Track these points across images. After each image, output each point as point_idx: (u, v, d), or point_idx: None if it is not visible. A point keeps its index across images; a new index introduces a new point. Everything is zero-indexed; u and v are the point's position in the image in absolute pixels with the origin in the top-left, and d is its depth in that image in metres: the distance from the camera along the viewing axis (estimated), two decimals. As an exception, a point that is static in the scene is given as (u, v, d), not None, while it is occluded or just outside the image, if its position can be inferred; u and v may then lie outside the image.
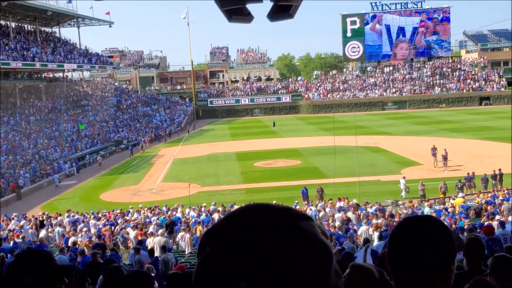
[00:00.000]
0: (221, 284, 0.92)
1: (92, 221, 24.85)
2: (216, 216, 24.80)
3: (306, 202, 28.59)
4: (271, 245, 0.92)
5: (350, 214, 22.90)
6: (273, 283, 0.90)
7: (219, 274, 0.93)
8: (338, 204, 25.66)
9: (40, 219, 26.08)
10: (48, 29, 78.34)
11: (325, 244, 0.99)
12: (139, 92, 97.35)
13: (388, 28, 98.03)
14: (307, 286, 0.92)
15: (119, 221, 24.94)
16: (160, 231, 19.44)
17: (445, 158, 37.20)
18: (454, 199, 26.11)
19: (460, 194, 26.98)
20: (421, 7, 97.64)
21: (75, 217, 26.35)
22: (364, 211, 23.02)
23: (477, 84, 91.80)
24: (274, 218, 0.98)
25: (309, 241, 0.96)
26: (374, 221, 19.53)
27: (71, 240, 19.74)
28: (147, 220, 24.64)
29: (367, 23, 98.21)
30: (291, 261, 0.92)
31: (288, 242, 0.93)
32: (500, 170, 31.19)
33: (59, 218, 26.51)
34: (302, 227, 0.98)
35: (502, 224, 15.21)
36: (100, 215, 27.31)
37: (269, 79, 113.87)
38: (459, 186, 29.86)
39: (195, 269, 1.01)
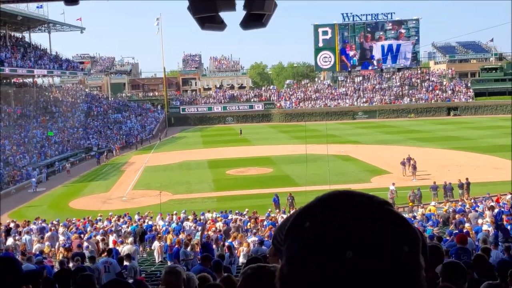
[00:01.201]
0: (328, 253, 0.96)
1: (60, 229, 24.41)
2: (186, 224, 24.64)
3: (278, 210, 28.69)
4: (373, 223, 0.99)
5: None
6: (376, 255, 0.95)
7: (326, 243, 0.97)
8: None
9: (8, 227, 25.51)
10: (18, 34, 76.96)
11: (414, 227, 1.05)
12: (110, 99, 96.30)
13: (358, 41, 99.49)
14: (404, 261, 0.98)
15: (88, 229, 24.57)
16: (130, 239, 19.23)
17: (414, 167, 37.82)
18: (423, 207, 26.53)
19: (433, 203, 27.43)
20: (391, 18, 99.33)
21: (42, 225, 25.86)
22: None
23: (445, 94, 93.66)
24: (369, 202, 1.04)
25: (402, 221, 1.03)
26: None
27: (35, 247, 19.37)
28: (118, 228, 24.35)
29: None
30: (392, 237, 0.98)
31: (386, 222, 1.00)
32: (467, 179, 31.80)
33: (30, 226, 25.96)
34: (393, 210, 1.04)
35: (467, 233, 15.56)
36: (69, 223, 26.85)
37: (241, 87, 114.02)
38: (412, 197, 30.27)
39: (293, 242, 1.03)
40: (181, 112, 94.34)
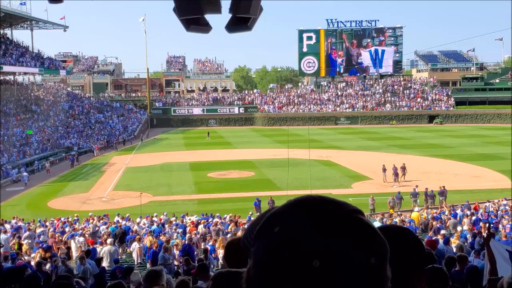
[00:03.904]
0: (295, 261, 0.95)
1: (38, 229, 24.11)
2: (167, 226, 24.51)
3: (259, 213, 28.65)
4: (340, 233, 0.98)
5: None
6: (343, 266, 0.95)
7: (293, 251, 0.96)
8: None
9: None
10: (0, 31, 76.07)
11: (383, 237, 1.04)
12: (92, 98, 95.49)
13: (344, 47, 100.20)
14: (371, 273, 0.97)
15: (66, 230, 24.28)
16: (109, 240, 19.06)
17: (396, 174, 38.09)
18: (400, 215, 26.72)
19: (416, 209, 27.62)
20: (375, 25, 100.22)
21: (18, 224, 25.51)
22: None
23: (426, 102, 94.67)
24: (339, 210, 1.03)
25: (371, 232, 1.02)
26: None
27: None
28: (96, 228, 24.12)
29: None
30: (359, 250, 0.97)
31: (355, 232, 0.99)
32: (443, 187, 32.00)
33: (6, 225, 25.57)
34: (363, 219, 1.03)
35: (446, 240, 15.73)
36: (47, 223, 26.53)
37: (225, 90, 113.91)
38: (392, 203, 30.52)
39: (261, 248, 1.02)
40: (164, 114, 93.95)
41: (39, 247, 19.57)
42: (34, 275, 6.55)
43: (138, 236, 20.43)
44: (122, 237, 22.00)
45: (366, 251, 0.98)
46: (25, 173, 45.05)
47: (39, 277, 6.68)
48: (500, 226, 20.93)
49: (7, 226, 25.12)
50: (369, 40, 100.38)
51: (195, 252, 17.96)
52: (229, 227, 24.20)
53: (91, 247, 18.78)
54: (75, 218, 28.05)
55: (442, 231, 19.29)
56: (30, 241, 21.35)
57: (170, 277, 6.92)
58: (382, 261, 1.00)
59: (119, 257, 18.97)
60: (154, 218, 26.53)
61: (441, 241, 15.66)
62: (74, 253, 19.71)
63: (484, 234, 12.85)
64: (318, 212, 1.02)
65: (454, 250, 14.78)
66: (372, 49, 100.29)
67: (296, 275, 0.95)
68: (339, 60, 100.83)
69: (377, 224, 22.51)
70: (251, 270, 1.04)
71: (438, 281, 4.85)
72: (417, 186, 33.02)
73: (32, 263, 14.78)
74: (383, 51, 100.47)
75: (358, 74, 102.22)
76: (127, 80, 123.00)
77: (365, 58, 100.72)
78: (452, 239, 16.68)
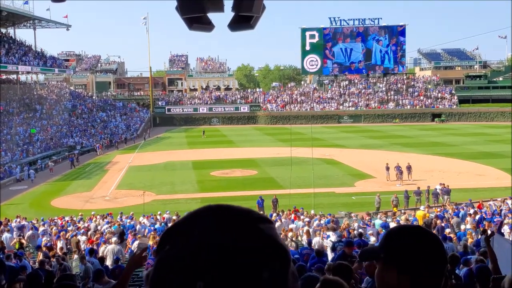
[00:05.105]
0: (179, 283, 0.92)
1: (41, 228, 24.15)
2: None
3: (262, 212, 28.66)
4: (229, 247, 0.93)
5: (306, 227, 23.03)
6: (230, 285, 0.90)
7: (177, 272, 0.93)
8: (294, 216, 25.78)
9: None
10: (3, 30, 76.11)
11: (283, 247, 0.99)
12: (95, 97, 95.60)
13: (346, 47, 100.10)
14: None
15: (69, 228, 24.33)
16: (114, 239, 19.07)
17: (400, 172, 38.03)
18: (404, 213, 26.66)
19: (422, 207, 27.52)
20: (378, 24, 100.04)
21: (22, 223, 25.55)
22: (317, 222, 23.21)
23: (429, 101, 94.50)
24: (234, 220, 0.99)
25: (268, 244, 0.96)
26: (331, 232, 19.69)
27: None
28: (98, 227, 24.13)
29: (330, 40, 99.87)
30: (247, 264, 0.92)
31: (246, 244, 0.94)
32: (447, 186, 31.93)
33: (11, 224, 25.62)
34: (262, 230, 0.98)
35: (444, 238, 15.73)
36: (50, 221, 26.56)
37: (228, 88, 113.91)
38: (395, 202, 30.45)
39: (153, 266, 1.00)
40: (167, 112, 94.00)
41: (42, 245, 19.64)
42: (35, 274, 6.56)
43: (139, 235, 20.45)
44: (121, 235, 22.01)
45: (258, 265, 0.92)
46: (31, 170, 45.89)
47: (40, 275, 6.69)
48: (506, 227, 20.81)
49: (13, 224, 25.17)
50: (372, 39, 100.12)
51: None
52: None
53: (89, 246, 18.79)
54: (79, 216, 28.10)
55: (447, 230, 19.22)
56: (33, 240, 21.37)
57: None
58: (277, 274, 0.94)
59: (121, 255, 18.98)
60: (158, 217, 26.54)
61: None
62: (77, 252, 19.72)
63: (489, 232, 12.83)
64: (209, 225, 0.97)
65: (458, 248, 14.75)
66: (375, 47, 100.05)
67: None
68: (342, 59, 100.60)
69: (378, 222, 22.48)
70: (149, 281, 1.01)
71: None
72: (418, 187, 32.91)
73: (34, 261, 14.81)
74: (386, 50, 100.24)
75: (361, 73, 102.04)
76: (130, 79, 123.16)
77: (368, 56, 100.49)
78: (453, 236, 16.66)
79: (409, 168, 38.56)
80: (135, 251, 8.22)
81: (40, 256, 15.97)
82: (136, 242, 19.83)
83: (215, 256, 0.91)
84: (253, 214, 1.02)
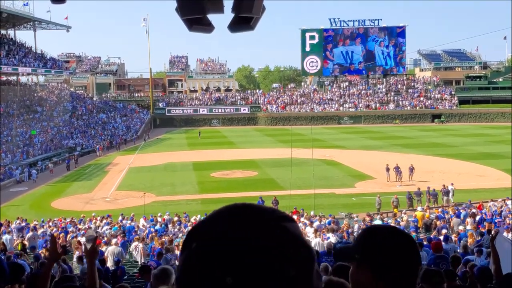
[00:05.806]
0: (208, 279, 0.94)
1: (41, 229, 24.15)
2: (171, 226, 24.52)
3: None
4: (257, 244, 0.94)
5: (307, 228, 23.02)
6: (257, 281, 0.92)
7: (206, 268, 0.95)
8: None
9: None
10: (3, 31, 76.14)
11: (309, 246, 1.01)
12: (95, 99, 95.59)
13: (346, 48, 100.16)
14: (290, 286, 0.94)
15: (70, 230, 24.33)
16: (114, 240, 19.07)
17: (399, 173, 38.05)
18: (405, 213, 26.66)
19: (419, 208, 27.53)
20: (378, 25, 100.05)
21: (21, 225, 25.55)
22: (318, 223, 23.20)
23: (429, 101, 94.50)
24: (258, 218, 1.00)
25: (294, 242, 0.98)
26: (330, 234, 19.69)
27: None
28: (98, 229, 24.14)
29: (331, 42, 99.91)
30: (275, 261, 0.93)
31: (273, 242, 0.96)
32: (447, 186, 31.99)
33: (11, 226, 25.63)
34: (287, 228, 1.00)
35: (446, 238, 15.72)
36: (50, 223, 26.56)
37: (228, 90, 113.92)
38: (396, 202, 30.42)
39: (180, 264, 1.01)
40: (167, 114, 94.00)
41: (42, 247, 19.64)
42: (34, 274, 6.56)
43: (137, 236, 20.42)
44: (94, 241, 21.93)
45: (285, 262, 0.94)
46: (33, 170, 46.43)
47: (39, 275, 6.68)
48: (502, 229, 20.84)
49: (13, 226, 25.18)
50: (371, 40, 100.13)
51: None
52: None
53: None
54: (81, 218, 28.10)
55: (444, 230, 19.23)
56: (33, 241, 21.36)
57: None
58: (303, 273, 0.96)
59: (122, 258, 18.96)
60: (158, 218, 26.54)
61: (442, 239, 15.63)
62: (77, 253, 19.71)
63: (493, 232, 12.82)
64: (236, 223, 0.99)
65: (459, 249, 14.73)
66: (375, 48, 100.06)
67: None
68: (342, 60, 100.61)
69: (377, 223, 22.47)
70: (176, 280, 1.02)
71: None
72: (419, 188, 32.92)
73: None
74: (386, 51, 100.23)
75: (361, 74, 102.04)
76: (130, 80, 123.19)
77: (368, 57, 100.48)
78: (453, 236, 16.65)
79: (411, 169, 38.52)
80: (85, 244, 8.34)
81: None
82: (135, 244, 19.81)
83: (242, 253, 0.93)
84: (278, 212, 1.04)
